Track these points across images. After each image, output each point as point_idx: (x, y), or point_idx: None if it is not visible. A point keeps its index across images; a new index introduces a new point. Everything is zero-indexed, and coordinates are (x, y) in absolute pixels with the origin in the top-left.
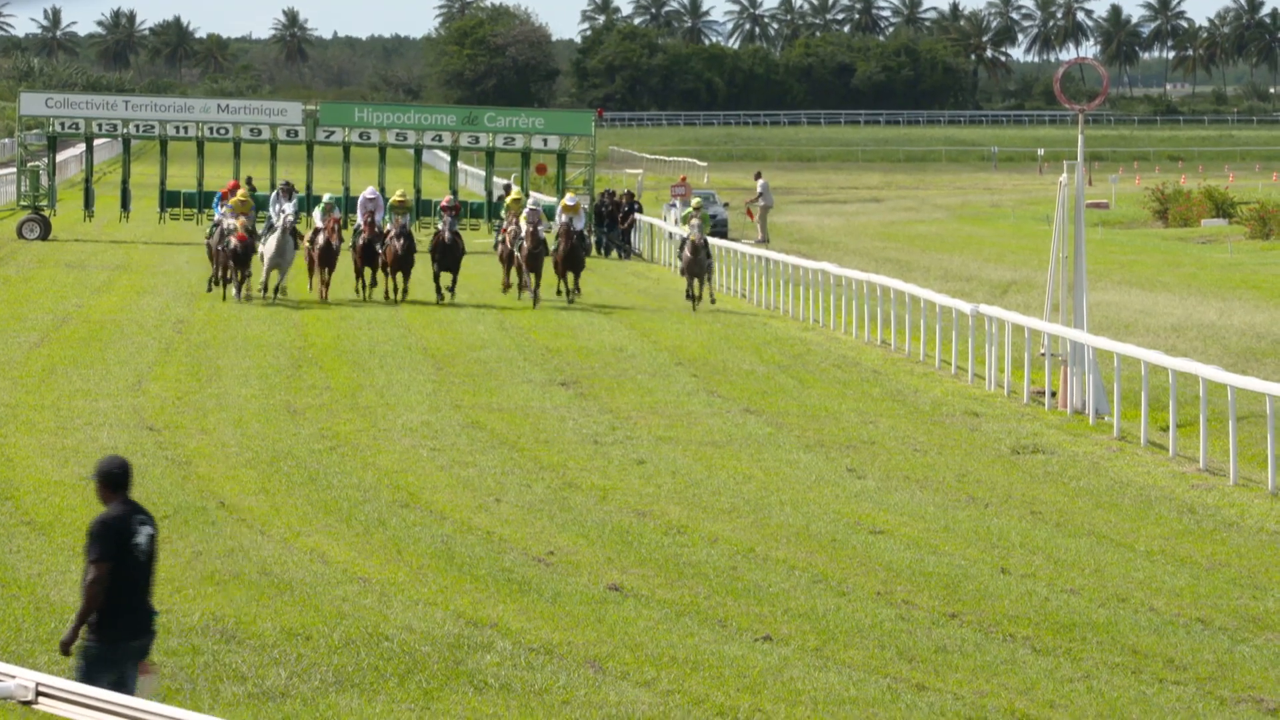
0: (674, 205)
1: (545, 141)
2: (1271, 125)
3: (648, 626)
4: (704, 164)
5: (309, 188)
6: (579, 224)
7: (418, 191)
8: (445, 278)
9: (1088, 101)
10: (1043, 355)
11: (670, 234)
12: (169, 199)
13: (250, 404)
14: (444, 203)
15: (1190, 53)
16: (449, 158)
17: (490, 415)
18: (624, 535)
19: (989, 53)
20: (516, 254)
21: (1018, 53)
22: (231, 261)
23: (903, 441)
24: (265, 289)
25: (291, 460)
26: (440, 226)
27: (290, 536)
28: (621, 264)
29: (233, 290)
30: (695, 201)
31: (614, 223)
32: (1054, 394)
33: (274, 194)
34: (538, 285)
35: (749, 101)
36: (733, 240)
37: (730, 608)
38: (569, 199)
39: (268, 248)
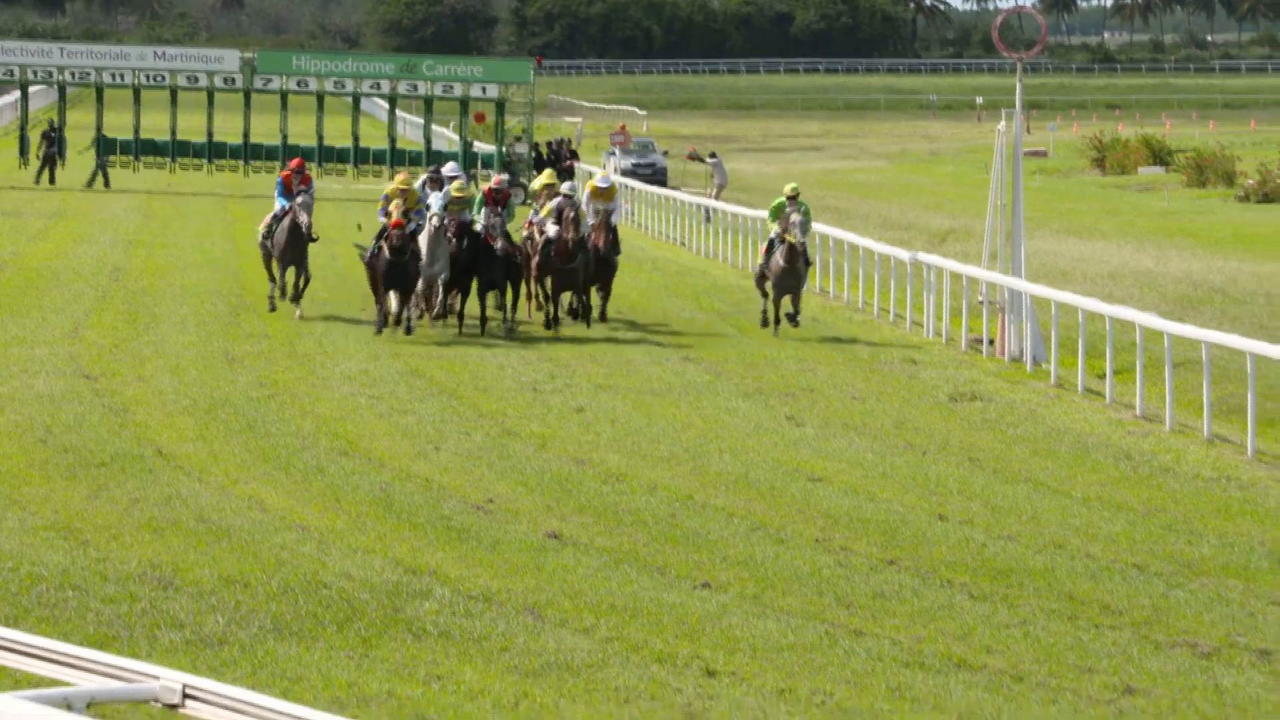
0: (613, 153)
1: (484, 90)
2: (1209, 74)
3: (586, 574)
4: (643, 112)
5: (246, 135)
6: (616, 214)
7: (355, 140)
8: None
9: (1026, 50)
10: (980, 303)
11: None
12: (106, 147)
13: (188, 352)
14: (487, 186)
15: (1128, 1)
16: (388, 106)
17: (429, 363)
18: (563, 483)
19: (928, 1)
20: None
21: (956, 1)
22: (386, 279)
23: (841, 389)
24: (415, 314)
25: (229, 408)
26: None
27: (228, 484)
28: None
29: (394, 320)
30: (789, 188)
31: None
32: (991, 341)
33: (421, 181)
34: (560, 304)
35: (688, 50)
36: (672, 188)
37: (669, 555)
38: (600, 180)
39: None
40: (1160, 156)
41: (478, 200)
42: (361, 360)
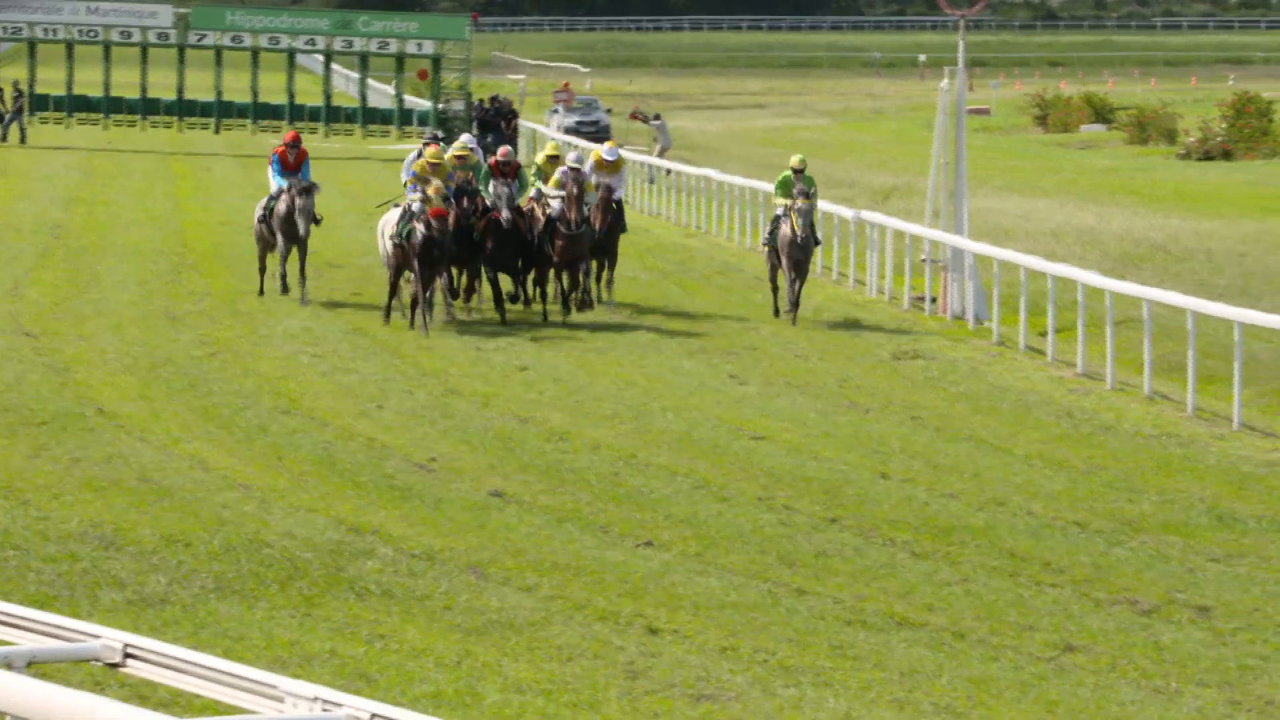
0: (556, 111)
1: (420, 46)
2: (1150, 30)
3: (529, 532)
4: (586, 70)
5: (180, 91)
6: (619, 190)
7: (290, 97)
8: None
9: (968, 7)
10: (923, 261)
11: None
12: (38, 103)
13: (129, 310)
14: (494, 159)
15: None
16: (324, 61)
17: (372, 321)
18: (506, 442)
19: None
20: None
21: None
22: (417, 262)
23: (784, 347)
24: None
25: (171, 366)
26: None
27: (170, 443)
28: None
29: (413, 313)
30: (795, 160)
31: (498, 130)
32: (934, 300)
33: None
34: (575, 287)
35: (631, 6)
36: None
37: (612, 513)
38: (606, 151)
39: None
40: (1102, 114)
41: (484, 171)
42: (304, 318)
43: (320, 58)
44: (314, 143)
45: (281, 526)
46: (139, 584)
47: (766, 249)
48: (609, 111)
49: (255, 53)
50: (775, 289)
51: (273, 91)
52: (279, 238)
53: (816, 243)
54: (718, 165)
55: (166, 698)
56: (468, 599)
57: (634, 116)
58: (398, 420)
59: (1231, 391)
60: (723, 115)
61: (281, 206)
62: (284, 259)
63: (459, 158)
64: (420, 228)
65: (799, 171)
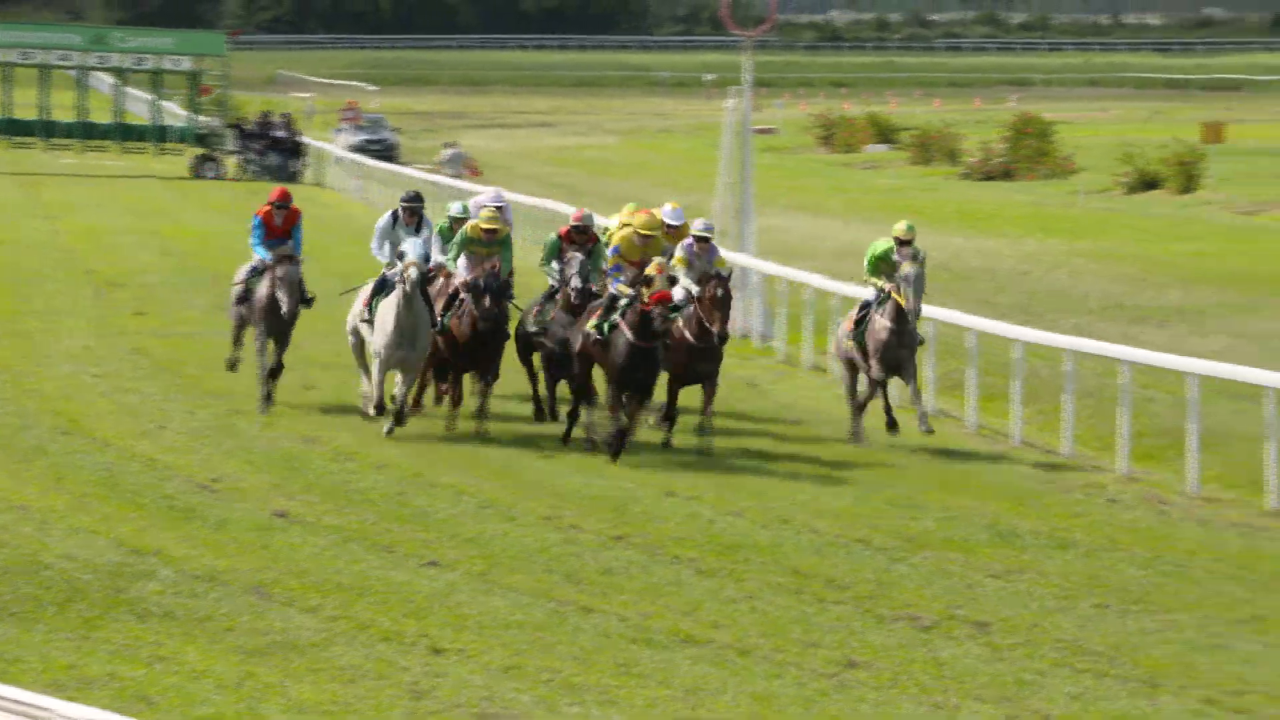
0: (342, 129)
1: (176, 62)
2: (933, 52)
3: (313, 553)
4: (374, 88)
5: None
6: (712, 258)
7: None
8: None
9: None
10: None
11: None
12: None
13: None
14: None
15: None
16: (114, 80)
17: (154, 341)
18: (291, 462)
19: None
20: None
21: None
22: (618, 375)
23: None
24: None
25: None
26: (562, 273)
27: None
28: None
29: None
30: (901, 227)
31: (276, 144)
32: None
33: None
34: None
35: (419, 25)
36: (403, 164)
37: (397, 533)
38: (670, 214)
39: (380, 323)
40: (886, 134)
41: (550, 242)
42: (85, 338)
43: (107, 76)
44: (101, 161)
45: (61, 548)
46: None
47: (843, 349)
48: (397, 130)
49: (5, 67)
50: (857, 406)
51: (65, 109)
52: (260, 325)
53: (919, 340)
54: (504, 183)
55: None
56: (250, 620)
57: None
58: (180, 441)
59: (1012, 409)
60: (511, 134)
61: (263, 288)
62: (261, 354)
63: (487, 231)
64: (627, 331)
65: (905, 243)
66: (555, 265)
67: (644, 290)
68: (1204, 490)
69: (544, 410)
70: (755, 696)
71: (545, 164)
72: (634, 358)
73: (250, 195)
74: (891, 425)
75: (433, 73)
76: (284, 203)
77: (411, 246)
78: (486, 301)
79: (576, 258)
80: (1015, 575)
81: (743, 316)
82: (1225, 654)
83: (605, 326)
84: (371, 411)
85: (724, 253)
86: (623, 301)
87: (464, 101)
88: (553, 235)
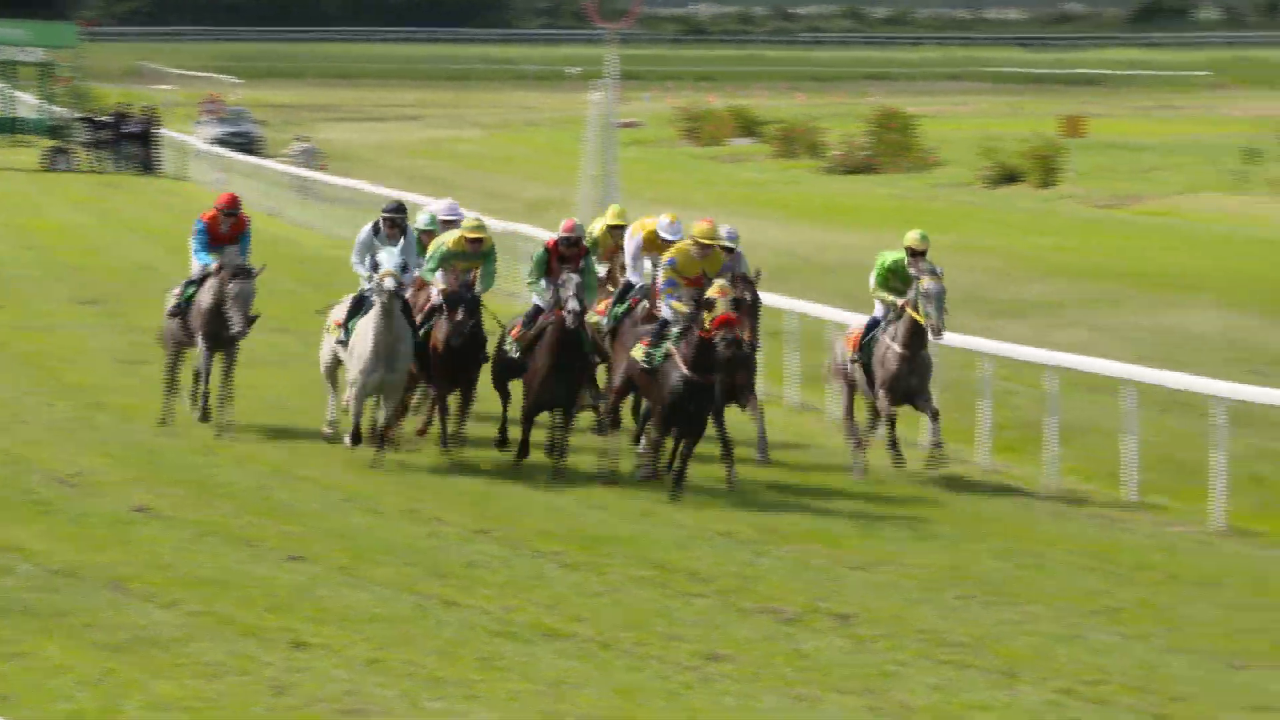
0: (203, 121)
1: (28, 53)
2: (796, 46)
3: (175, 547)
4: (239, 81)
5: None
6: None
7: None
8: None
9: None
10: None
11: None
12: None
13: None
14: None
15: None
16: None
17: (12, 334)
18: (152, 455)
19: None
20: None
21: None
22: (667, 408)
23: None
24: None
25: None
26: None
27: None
28: (148, 180)
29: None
30: (914, 236)
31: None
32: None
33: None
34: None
35: (284, 17)
36: (266, 158)
37: (259, 527)
38: (666, 229)
39: (357, 344)
40: (750, 128)
41: (537, 257)
42: None
43: None
44: None
45: None
46: None
47: (840, 366)
48: (262, 123)
49: None
50: (855, 439)
51: None
52: (199, 340)
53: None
54: (371, 177)
55: None
56: (110, 615)
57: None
58: (39, 434)
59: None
60: (378, 127)
61: (206, 296)
62: (205, 373)
63: (472, 241)
64: (680, 364)
65: (918, 254)
66: (544, 284)
67: (705, 316)
68: (1063, 482)
69: (507, 438)
70: (618, 690)
71: (412, 157)
72: (687, 393)
73: (108, 188)
74: (898, 459)
75: (298, 65)
76: (232, 209)
77: (386, 256)
78: (460, 315)
79: (572, 279)
80: (878, 567)
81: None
82: (1083, 644)
83: (657, 356)
84: (347, 442)
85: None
86: (675, 328)
87: (330, 94)
88: (539, 249)
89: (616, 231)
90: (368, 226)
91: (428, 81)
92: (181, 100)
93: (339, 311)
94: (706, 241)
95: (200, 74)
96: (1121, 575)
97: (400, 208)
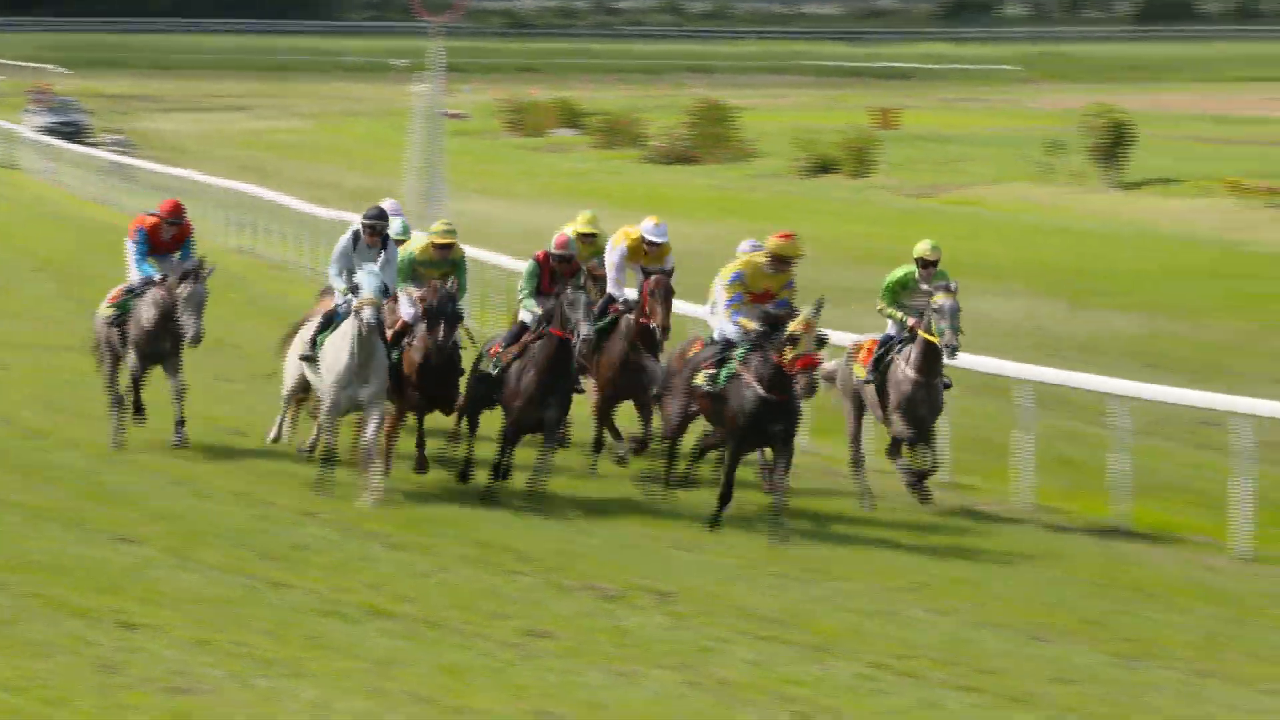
0: (30, 111)
1: None
2: (620, 39)
3: (4, 530)
4: (67, 71)
5: None
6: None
7: None
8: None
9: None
10: None
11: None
12: None
13: None
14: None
15: None
16: None
17: None
18: None
19: None
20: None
21: None
22: (730, 433)
23: (263, 345)
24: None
25: None
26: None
27: None
28: None
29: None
30: (925, 247)
31: None
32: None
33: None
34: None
35: (113, 7)
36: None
37: (89, 510)
38: (652, 231)
39: (327, 362)
40: (573, 119)
41: (530, 271)
42: None
43: None
44: None
45: None
46: None
47: (846, 379)
48: (89, 113)
49: None
50: (858, 461)
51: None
52: (131, 354)
53: (945, 383)
54: (198, 166)
55: None
56: None
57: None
58: None
59: None
60: (204, 117)
61: (147, 312)
62: (138, 383)
63: (440, 248)
64: (755, 386)
65: (929, 264)
66: (533, 302)
67: (787, 351)
68: (877, 464)
69: (470, 472)
70: (443, 667)
71: (238, 147)
72: (764, 413)
73: None
74: (924, 495)
75: (126, 55)
76: (176, 218)
77: (367, 280)
78: (440, 332)
79: (580, 298)
80: (698, 548)
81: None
82: (893, 620)
83: (721, 377)
84: (303, 446)
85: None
86: (739, 350)
87: (157, 85)
88: (530, 262)
89: (587, 239)
90: (347, 235)
91: (254, 73)
92: (8, 90)
93: (307, 331)
94: (786, 254)
95: (27, 64)
96: (931, 553)
97: (381, 214)
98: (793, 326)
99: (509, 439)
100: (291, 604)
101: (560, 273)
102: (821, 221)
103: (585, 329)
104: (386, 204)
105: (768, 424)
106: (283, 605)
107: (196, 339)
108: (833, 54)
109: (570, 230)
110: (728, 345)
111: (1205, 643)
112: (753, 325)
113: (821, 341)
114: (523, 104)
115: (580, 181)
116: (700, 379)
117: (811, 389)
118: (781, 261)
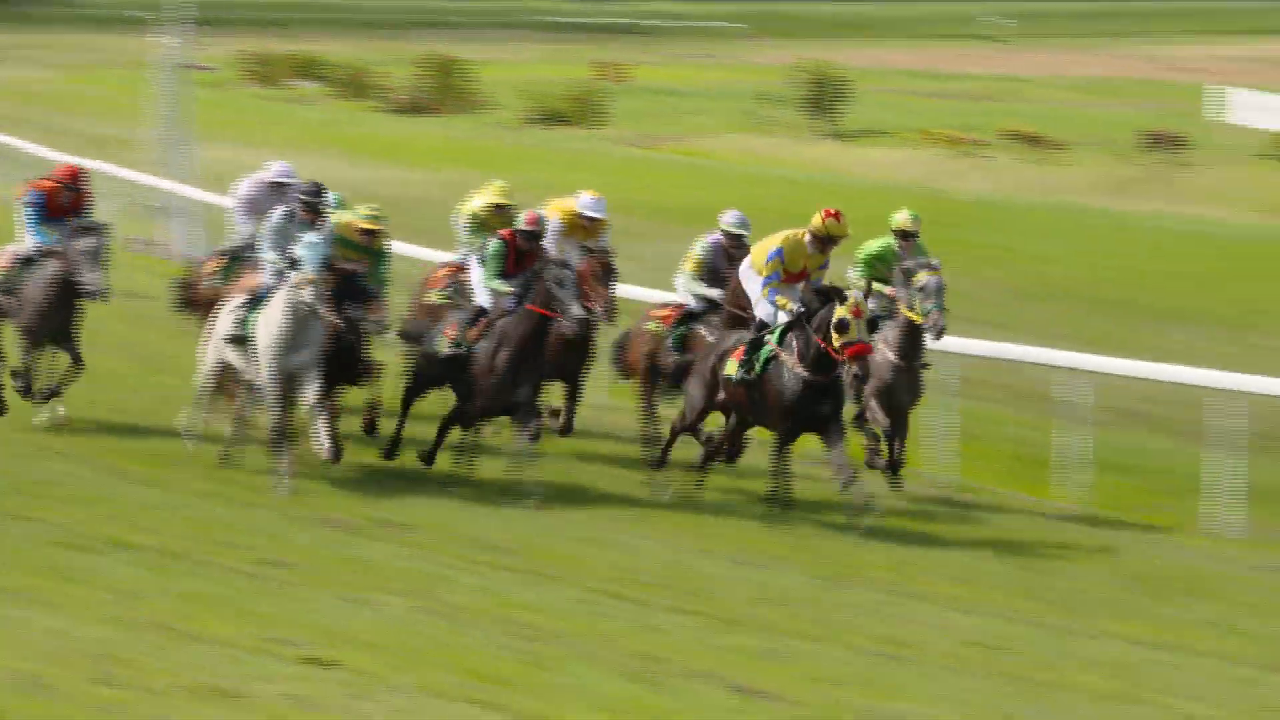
0: None
1: None
2: None
3: None
4: None
5: None
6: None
7: None
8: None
9: None
10: (152, 207)
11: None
12: None
13: None
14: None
15: None
16: None
17: None
18: None
19: None
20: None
21: None
22: (779, 421)
23: None
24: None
25: None
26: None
27: None
28: None
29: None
30: (903, 216)
31: None
32: (150, 242)
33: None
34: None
35: None
36: None
37: None
38: (589, 205)
39: (260, 338)
40: (315, 71)
41: (495, 250)
42: None
43: None
44: None
45: None
46: None
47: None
48: None
49: None
50: (881, 439)
51: None
52: (20, 333)
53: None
54: None
55: None
56: None
57: None
58: None
59: None
60: None
61: (35, 290)
62: (27, 363)
63: (365, 232)
64: (797, 369)
65: (909, 235)
66: (500, 283)
67: (836, 338)
68: (609, 400)
69: (395, 454)
70: (183, 595)
71: None
72: (810, 397)
73: None
74: (895, 480)
75: None
76: (76, 185)
77: (309, 253)
78: (350, 311)
79: (568, 276)
80: (434, 484)
81: (181, 240)
82: (612, 547)
83: (758, 364)
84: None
85: (160, 182)
86: (773, 334)
87: None
88: (496, 240)
89: (504, 211)
90: (280, 211)
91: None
92: None
93: (233, 306)
94: (835, 234)
95: None
96: (648, 484)
97: (318, 190)
98: (842, 311)
99: (469, 421)
100: (32, 536)
101: (527, 252)
102: (549, 170)
103: (578, 311)
104: (278, 166)
105: (814, 407)
106: (23, 537)
107: (98, 290)
108: (561, 10)
109: (482, 201)
110: (763, 326)
111: (899, 565)
112: (791, 305)
113: (874, 326)
114: (264, 56)
115: (323, 130)
116: (731, 368)
117: (863, 378)
118: (829, 241)
